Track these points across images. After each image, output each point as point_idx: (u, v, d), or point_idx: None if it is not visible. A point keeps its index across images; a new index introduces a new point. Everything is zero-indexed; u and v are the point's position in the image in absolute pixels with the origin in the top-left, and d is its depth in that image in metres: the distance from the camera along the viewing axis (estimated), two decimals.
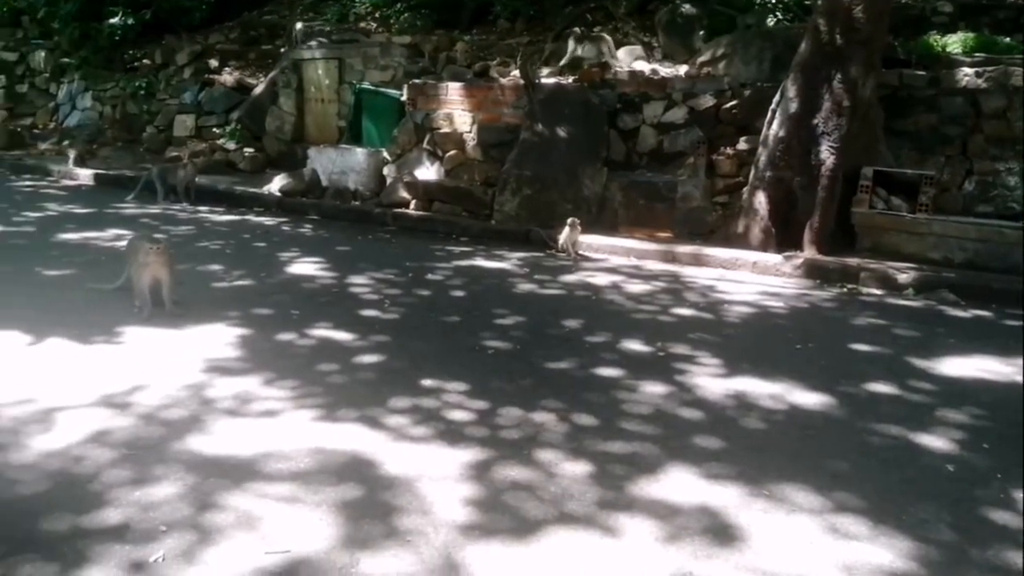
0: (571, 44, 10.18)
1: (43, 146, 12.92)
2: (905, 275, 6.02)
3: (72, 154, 11.31)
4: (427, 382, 3.66)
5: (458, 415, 3.31)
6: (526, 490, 2.69)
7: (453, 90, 9.12)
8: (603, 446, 3.07)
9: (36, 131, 14.05)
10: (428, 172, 8.93)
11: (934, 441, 3.24)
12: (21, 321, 4.25)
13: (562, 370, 3.95)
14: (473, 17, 12.67)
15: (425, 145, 9.04)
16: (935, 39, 8.63)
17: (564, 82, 9.01)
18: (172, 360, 3.82)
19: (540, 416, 3.33)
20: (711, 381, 3.86)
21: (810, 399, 3.66)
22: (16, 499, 2.50)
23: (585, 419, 3.32)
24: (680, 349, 4.35)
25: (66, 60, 14.53)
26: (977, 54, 8.05)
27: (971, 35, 8.69)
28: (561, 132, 8.10)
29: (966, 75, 7.40)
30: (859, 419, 3.45)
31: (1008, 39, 8.73)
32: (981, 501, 2.75)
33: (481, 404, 3.42)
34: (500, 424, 3.23)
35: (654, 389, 3.72)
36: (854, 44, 6.68)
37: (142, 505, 2.48)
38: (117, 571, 2.15)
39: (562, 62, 10.03)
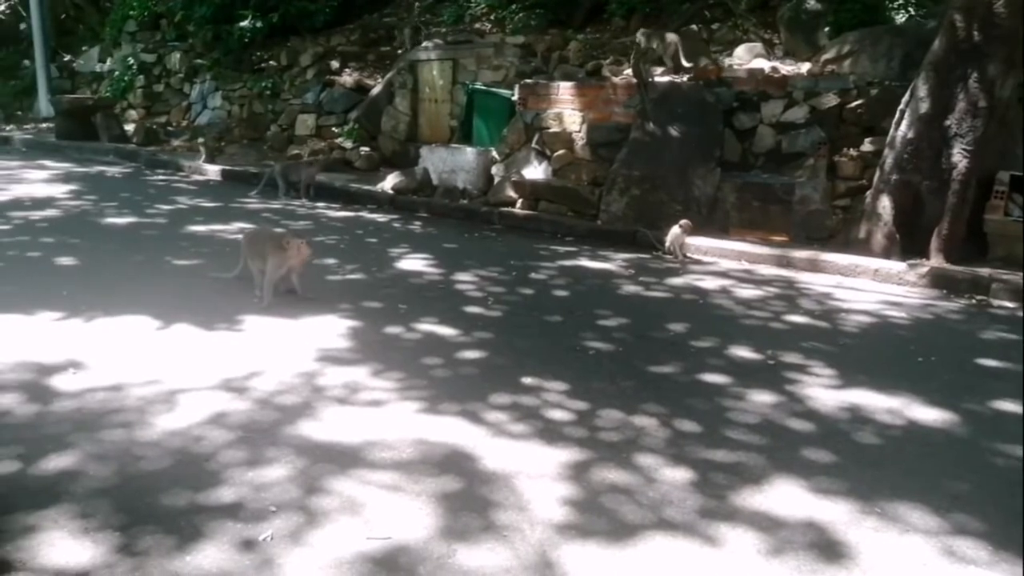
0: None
1: (176, 143, 13.77)
2: None
3: (202, 151, 12.01)
4: (528, 380, 3.68)
5: (557, 414, 3.31)
6: (624, 493, 2.66)
7: (564, 89, 9.12)
8: (706, 454, 3.00)
9: (170, 128, 15.00)
10: (536, 171, 8.97)
11: None
12: (151, 307, 4.55)
13: (665, 374, 3.89)
14: (587, 15, 12.62)
15: (534, 144, 9.08)
16: None
17: (679, 80, 8.85)
18: (287, 348, 3.99)
19: (641, 420, 3.29)
20: (824, 392, 3.71)
21: (930, 415, 3.45)
22: (140, 474, 2.68)
23: (688, 425, 3.25)
24: (792, 358, 4.20)
25: (199, 61, 15.45)
26: None
27: None
28: (673, 131, 7.96)
29: None
30: (983, 438, 3.24)
31: None
32: None
33: (581, 404, 3.41)
34: (599, 426, 3.21)
35: (762, 398, 3.60)
36: (993, 40, 6.25)
37: (254, 485, 2.60)
38: (229, 547, 2.27)
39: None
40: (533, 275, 5.98)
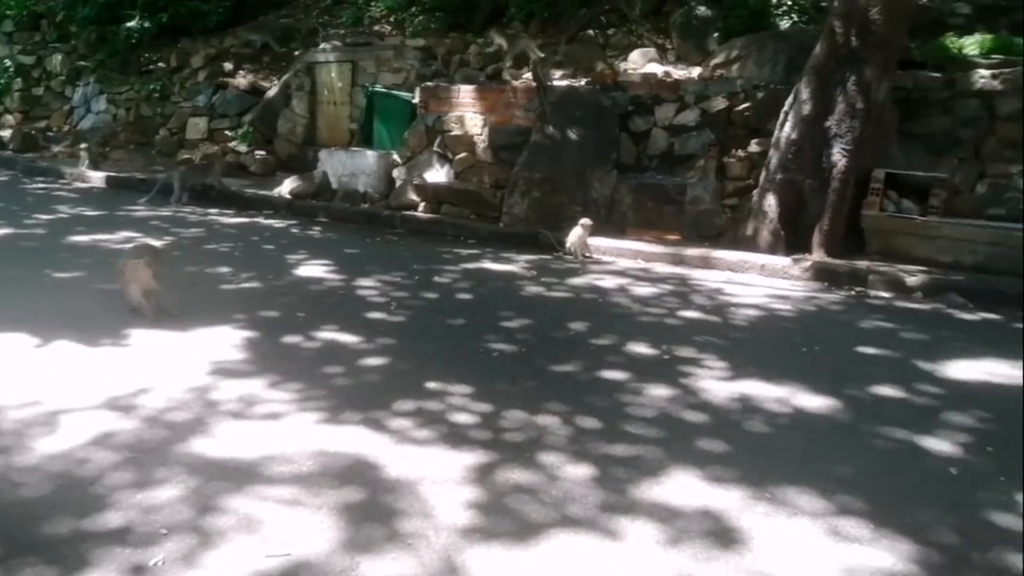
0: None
1: (57, 148, 13.05)
2: (914, 278, 5.98)
3: (85, 157, 11.42)
4: (432, 385, 3.66)
5: (462, 418, 3.31)
6: (528, 493, 2.69)
7: (465, 92, 9.14)
8: (606, 449, 3.06)
9: (50, 134, 14.18)
10: (438, 174, 8.95)
11: (938, 444, 3.21)
12: (29, 323, 4.29)
13: (567, 373, 3.95)
14: (487, 19, 12.67)
15: (435, 148, 9.06)
16: (951, 41, 8.54)
17: (577, 84, 9.01)
18: (177, 363, 3.84)
19: (544, 419, 3.32)
20: (716, 384, 3.85)
21: (815, 402, 3.64)
22: (19, 502, 2.52)
23: (589, 422, 3.31)
24: (686, 352, 4.34)
25: (82, 63, 14.67)
26: (994, 56, 7.97)
27: (988, 37, 8.59)
28: (572, 134, 8.10)
29: (982, 77, 7.34)
30: (864, 422, 3.43)
31: None
32: (984, 504, 2.72)
33: (485, 407, 3.43)
34: (504, 427, 3.23)
35: (659, 392, 3.71)
36: (870, 46, 6.63)
37: (143, 508, 2.49)
38: (117, 574, 2.17)
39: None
40: (436, 279, 5.97)
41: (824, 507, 2.66)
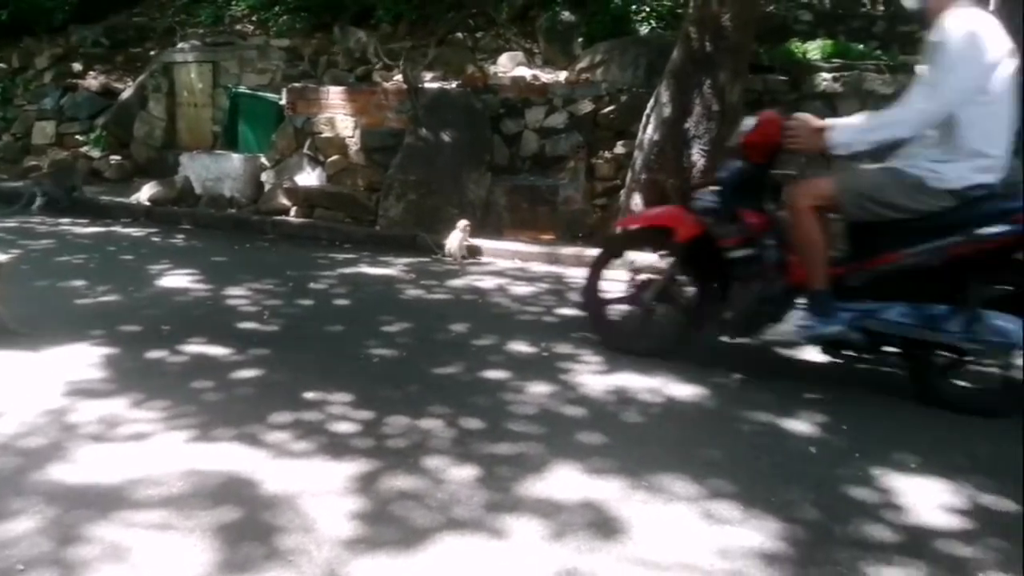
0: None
1: None
2: None
3: None
4: (309, 395, 3.58)
5: (342, 427, 3.25)
6: (413, 499, 2.67)
7: (334, 94, 8.97)
8: (490, 448, 3.09)
9: None
10: (309, 178, 8.74)
11: (798, 425, 3.43)
12: None
13: (449, 375, 3.96)
14: (354, 20, 12.48)
15: (306, 150, 8.84)
16: (796, 46, 9.14)
17: (447, 87, 9.02)
18: (29, 385, 3.57)
19: (427, 423, 3.31)
20: (593, 378, 3.96)
21: (685, 391, 3.80)
22: None
23: (472, 423, 3.33)
24: (564, 348, 4.44)
25: None
26: (834, 60, 8.59)
27: (828, 42, 9.26)
28: (445, 137, 8.10)
29: (824, 80, 7.89)
30: (730, 408, 3.62)
31: (861, 46, 9.37)
32: (842, 480, 2.93)
33: (366, 414, 3.38)
34: (386, 433, 3.20)
35: (539, 389, 3.77)
36: (723, 51, 6.99)
37: None
38: None
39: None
40: (312, 285, 5.82)
41: (697, 492, 2.79)
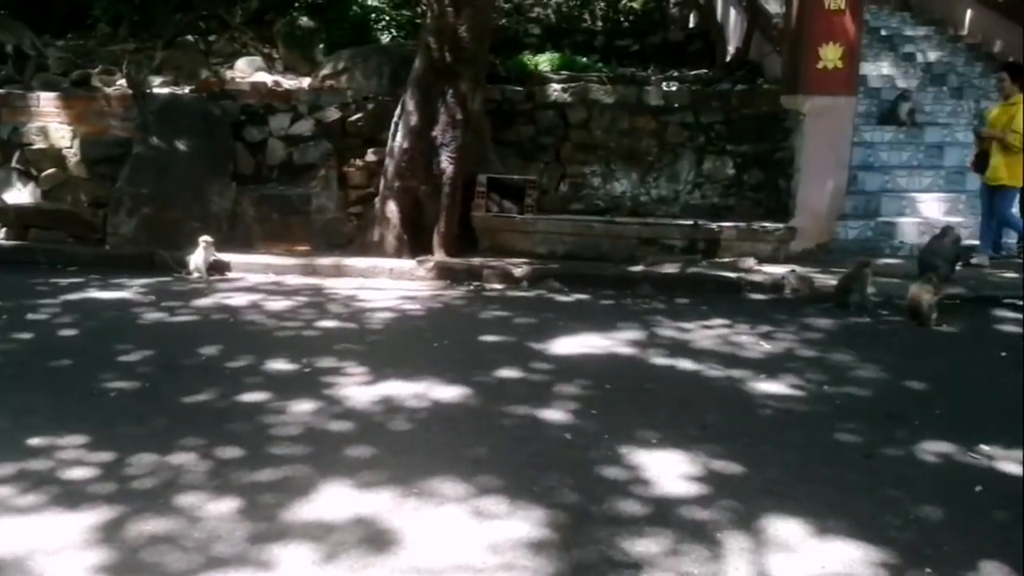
0: None
1: None
2: (520, 269, 6.69)
3: None
4: (35, 441, 3.18)
5: (78, 473, 2.93)
6: (167, 542, 2.48)
7: (46, 100, 8.06)
8: (251, 477, 2.94)
9: None
10: (21, 194, 7.77)
11: (554, 415, 3.65)
12: None
13: (201, 403, 3.71)
14: (66, 21, 11.23)
15: (15, 164, 7.86)
16: (528, 58, 9.70)
17: (180, 92, 8.43)
18: None
19: (178, 457, 3.09)
20: (358, 390, 3.92)
21: (449, 393, 3.89)
22: None
23: (230, 452, 3.16)
24: (327, 362, 4.34)
25: None
26: (563, 71, 9.23)
27: (556, 55, 9.93)
28: (181, 145, 7.58)
29: (555, 90, 8.45)
30: (491, 404, 3.76)
31: (585, 59, 10.15)
32: (595, 461, 3.15)
33: (106, 456, 3.07)
34: (131, 474, 2.93)
35: (302, 407, 3.66)
36: (462, 62, 7.22)
37: None
38: None
39: None
40: (31, 316, 5.18)
41: (466, 491, 2.87)
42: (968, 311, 5.64)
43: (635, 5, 12.81)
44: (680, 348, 4.77)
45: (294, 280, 6.66)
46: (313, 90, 8.66)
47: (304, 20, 10.22)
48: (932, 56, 10.71)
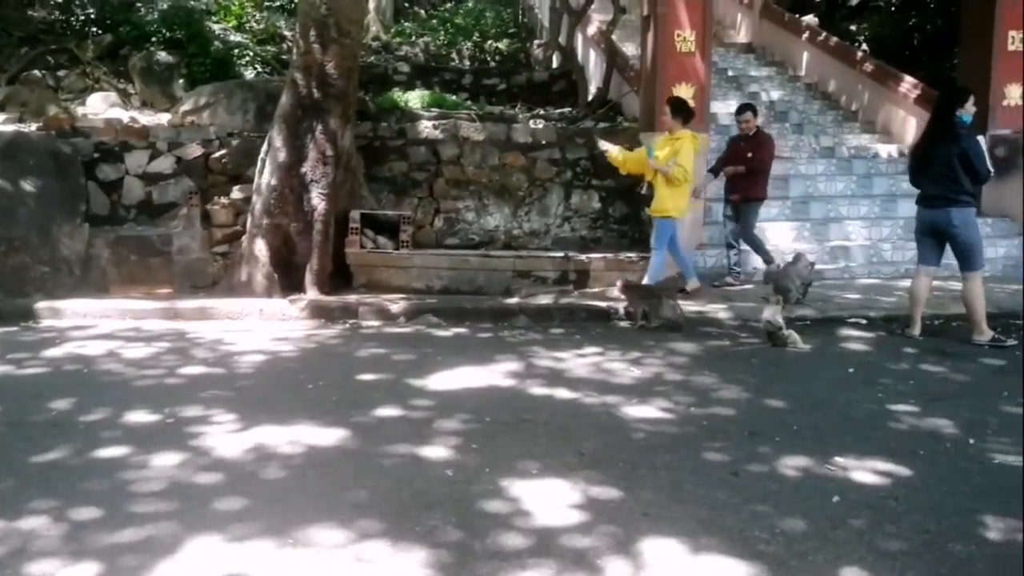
0: None
1: None
2: (397, 305, 6.65)
3: None
4: None
5: None
6: None
7: None
8: (111, 538, 2.75)
9: None
10: None
11: (435, 451, 3.62)
12: None
13: (52, 461, 3.45)
14: None
15: None
16: (399, 95, 9.75)
17: (26, 130, 7.90)
18: None
19: (29, 522, 2.85)
20: (228, 438, 3.75)
21: (325, 436, 3.79)
22: None
23: (87, 512, 2.94)
24: (192, 411, 4.14)
25: None
26: (433, 108, 9.33)
27: (426, 93, 10.03)
28: (27, 186, 7.10)
29: (426, 127, 8.52)
30: (371, 445, 3.69)
31: (454, 97, 10.31)
32: (477, 496, 3.15)
33: None
34: None
35: (166, 461, 3.47)
36: (330, 98, 7.17)
37: None
38: None
39: None
40: None
41: (346, 537, 2.79)
42: (817, 331, 6.06)
43: (500, 46, 13.12)
44: (556, 377, 4.86)
45: (155, 325, 6.32)
46: (173, 126, 8.35)
47: (162, 55, 9.86)
48: (775, 95, 11.57)
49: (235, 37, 10.71)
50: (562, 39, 11.70)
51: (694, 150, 7.01)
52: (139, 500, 3.07)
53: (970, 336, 5.74)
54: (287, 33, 11.39)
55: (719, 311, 6.54)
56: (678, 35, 8.07)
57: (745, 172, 7.57)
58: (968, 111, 5.72)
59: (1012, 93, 9.03)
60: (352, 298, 6.89)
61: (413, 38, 13.23)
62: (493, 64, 12.69)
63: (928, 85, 10.28)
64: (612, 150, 7.29)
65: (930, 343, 5.76)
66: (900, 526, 2.90)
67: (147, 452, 3.55)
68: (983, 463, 3.52)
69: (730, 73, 11.98)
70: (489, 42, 13.19)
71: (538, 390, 4.60)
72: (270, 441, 3.71)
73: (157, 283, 7.24)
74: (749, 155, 7.57)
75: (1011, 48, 8.97)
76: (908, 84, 10.39)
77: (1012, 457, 3.56)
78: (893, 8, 13.13)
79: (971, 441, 3.77)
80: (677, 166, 6.84)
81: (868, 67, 11.08)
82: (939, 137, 5.70)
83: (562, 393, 4.54)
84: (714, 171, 7.82)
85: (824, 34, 12.19)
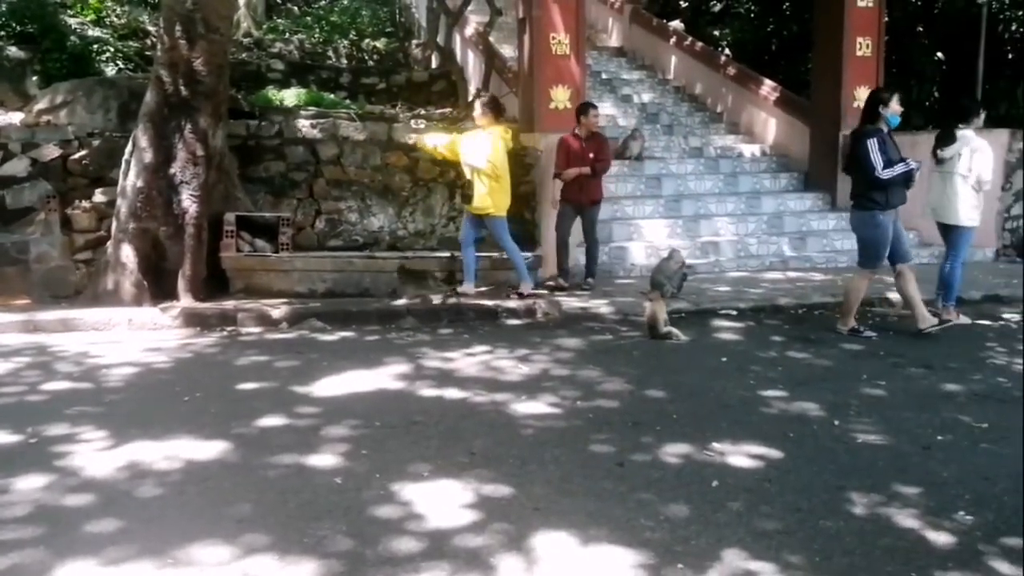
0: None
1: None
2: (278, 311, 6.44)
3: None
4: None
5: None
6: None
7: None
8: None
9: None
10: None
11: (322, 460, 3.55)
12: None
13: None
14: None
15: None
16: (273, 93, 9.45)
17: None
18: None
19: None
20: (98, 457, 3.54)
21: (204, 449, 3.64)
22: None
23: None
24: (58, 430, 3.88)
25: None
26: (310, 107, 9.10)
27: (303, 91, 9.77)
28: None
29: (304, 126, 8.29)
30: (254, 457, 3.57)
31: (332, 95, 10.09)
32: (368, 503, 3.11)
33: None
34: None
35: (30, 483, 3.25)
36: (199, 96, 6.85)
37: None
38: None
39: None
40: None
41: (230, 554, 2.69)
42: (692, 323, 6.33)
43: (379, 45, 12.95)
44: (446, 377, 4.86)
45: (12, 339, 5.87)
46: (27, 126, 7.77)
47: (13, 50, 9.17)
48: (646, 97, 11.99)
49: (94, 32, 10.07)
50: (440, 40, 11.67)
51: (504, 144, 6.97)
52: (1, 527, 2.85)
53: (834, 324, 6.13)
54: (151, 28, 10.82)
55: (601, 306, 6.71)
56: (553, 38, 8.22)
57: (591, 173, 7.34)
58: (894, 111, 5.76)
59: (861, 95, 9.70)
60: (229, 304, 6.63)
61: (287, 35, 12.85)
62: (371, 63, 12.50)
63: (786, 88, 10.95)
64: (429, 144, 7.31)
65: (795, 331, 6.14)
66: (775, 506, 3.08)
67: (8, 475, 3.31)
68: (847, 443, 3.78)
69: (603, 76, 12.31)
70: (367, 41, 12.99)
71: (428, 391, 4.59)
72: (144, 457, 3.53)
73: (13, 293, 6.73)
74: (592, 155, 7.34)
75: (859, 53, 9.66)
76: (768, 87, 11.00)
77: (873, 436, 3.85)
78: (752, 15, 13.85)
79: (836, 423, 4.04)
80: (488, 161, 6.81)
81: (731, 71, 11.66)
82: (858, 137, 5.83)
83: (452, 393, 4.54)
84: (558, 175, 7.42)
85: (690, 39, 12.73)
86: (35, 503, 3.07)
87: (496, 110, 7.09)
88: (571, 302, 6.79)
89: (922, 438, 3.84)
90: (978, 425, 4.00)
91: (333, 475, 3.39)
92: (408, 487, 3.24)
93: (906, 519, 2.98)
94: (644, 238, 8.80)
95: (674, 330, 5.82)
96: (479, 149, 6.91)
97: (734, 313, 6.64)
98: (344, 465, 3.49)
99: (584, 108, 7.59)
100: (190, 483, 3.30)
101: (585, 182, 7.38)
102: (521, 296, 6.88)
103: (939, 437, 3.85)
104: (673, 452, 3.64)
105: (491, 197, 6.92)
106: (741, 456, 3.59)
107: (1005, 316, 6.66)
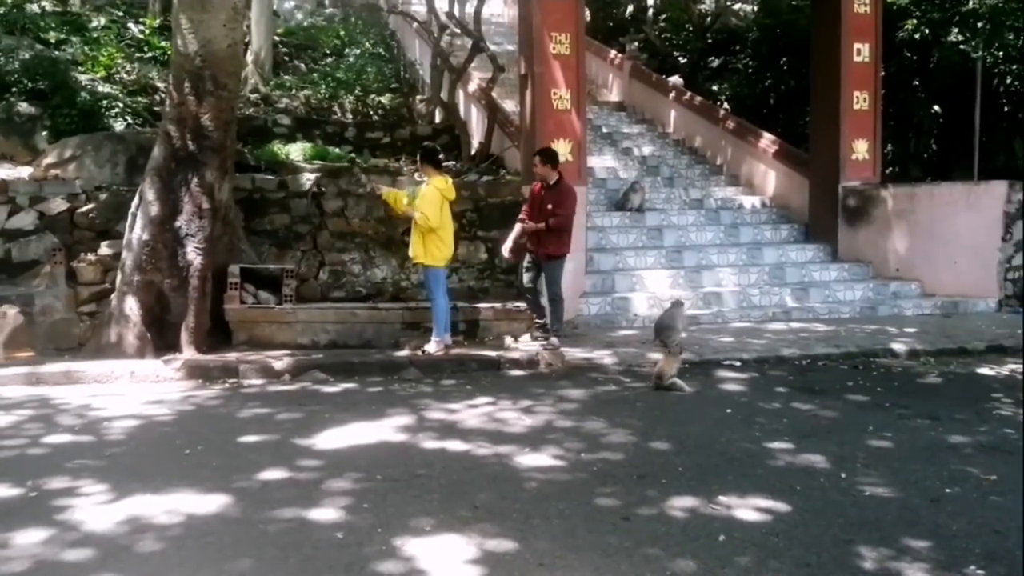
0: None
1: None
2: (281, 362, 6.43)
3: None
4: None
5: None
6: None
7: None
8: None
9: None
10: None
11: (324, 513, 3.51)
12: None
13: None
14: None
15: None
16: (279, 147, 9.60)
17: None
18: None
19: None
20: (98, 511, 3.51)
21: (205, 503, 3.61)
22: None
23: None
24: (58, 483, 3.86)
25: None
26: (315, 161, 9.23)
27: (308, 145, 9.93)
28: None
29: (309, 179, 8.40)
30: (255, 511, 3.53)
31: (337, 149, 10.25)
32: (369, 557, 3.07)
33: None
34: None
35: (29, 538, 3.22)
36: (206, 150, 6.98)
37: None
38: None
39: None
40: None
41: None
42: (696, 373, 6.30)
43: (384, 100, 13.18)
44: (449, 429, 4.83)
45: (15, 391, 5.87)
46: (35, 180, 7.88)
47: (24, 106, 9.35)
48: (647, 150, 12.17)
49: (104, 88, 10.28)
50: (444, 95, 11.89)
51: (442, 196, 6.76)
52: None
53: (839, 375, 6.08)
54: (160, 84, 11.04)
55: (604, 356, 6.70)
56: (554, 93, 8.38)
57: (547, 228, 7.03)
58: None
59: (860, 148, 9.87)
60: (232, 356, 6.63)
61: (293, 91, 13.09)
62: (376, 118, 12.70)
63: (784, 141, 11.10)
64: (383, 189, 7.30)
65: (800, 382, 6.11)
66: (783, 561, 3.04)
67: (7, 529, 3.28)
68: (855, 496, 3.74)
69: (604, 130, 12.51)
70: (372, 96, 13.22)
71: (430, 444, 4.55)
72: (145, 512, 3.50)
73: (17, 346, 6.73)
74: (550, 207, 7.05)
75: (856, 107, 9.83)
76: (767, 140, 11.17)
77: (881, 489, 3.80)
78: (750, 70, 14.10)
79: (843, 475, 4.00)
80: (419, 213, 6.70)
81: (730, 124, 11.85)
82: None
83: (455, 445, 4.51)
84: (521, 221, 7.23)
85: (689, 94, 12.97)
86: (34, 558, 3.04)
87: (433, 162, 6.94)
88: (575, 352, 6.78)
89: (930, 491, 3.79)
90: (986, 477, 3.95)
91: (335, 529, 3.35)
92: (410, 542, 3.20)
93: (916, 573, 2.94)
94: (647, 288, 8.82)
95: (678, 381, 5.80)
96: (419, 201, 6.85)
97: (738, 364, 6.62)
98: (346, 519, 3.46)
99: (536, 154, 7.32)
100: (190, 537, 3.27)
101: (541, 235, 7.13)
102: (424, 353, 6.69)
103: (947, 489, 3.80)
104: (679, 506, 3.59)
105: (423, 247, 6.81)
106: (748, 509, 3.55)
107: (1010, 366, 6.63)
